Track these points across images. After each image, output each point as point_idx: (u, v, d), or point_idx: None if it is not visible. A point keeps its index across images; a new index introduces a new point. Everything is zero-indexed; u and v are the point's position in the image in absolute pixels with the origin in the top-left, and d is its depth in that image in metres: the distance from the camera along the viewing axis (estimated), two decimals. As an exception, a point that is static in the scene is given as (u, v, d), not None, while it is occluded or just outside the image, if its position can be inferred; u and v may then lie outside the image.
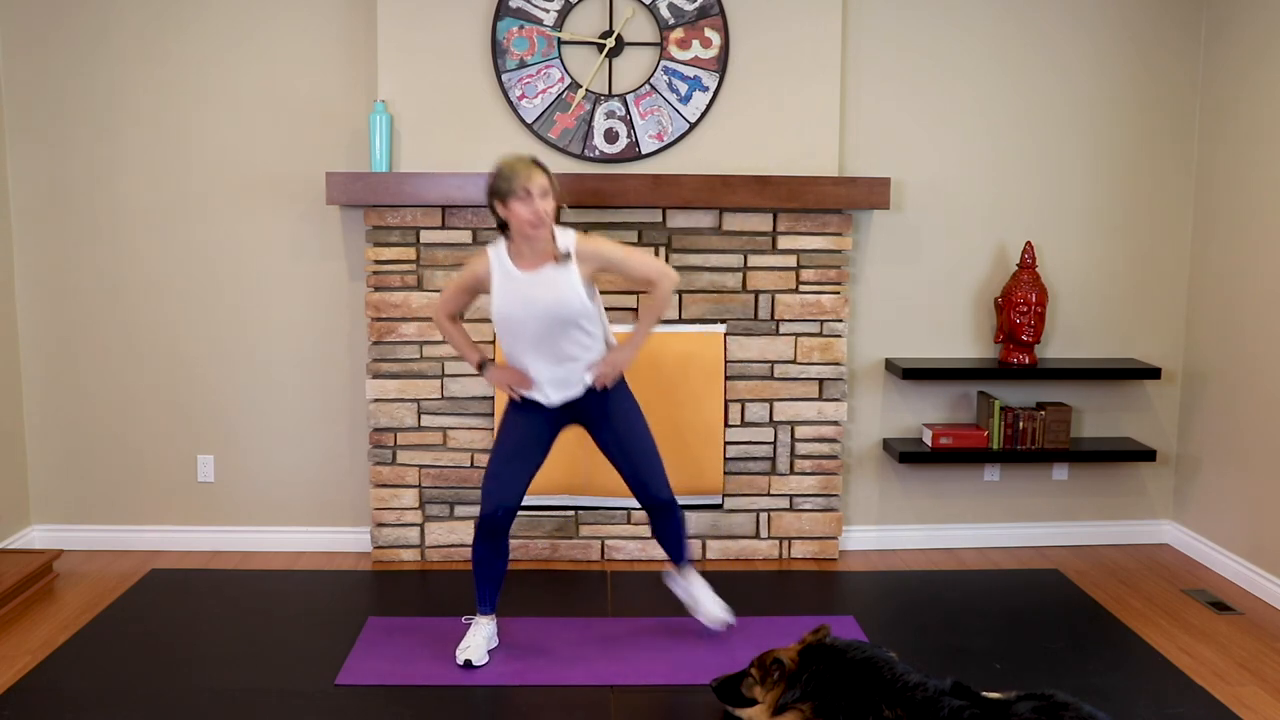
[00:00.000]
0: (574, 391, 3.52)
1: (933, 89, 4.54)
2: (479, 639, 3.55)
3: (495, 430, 3.66)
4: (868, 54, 4.49)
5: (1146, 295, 4.74)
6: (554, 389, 3.51)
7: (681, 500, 4.46)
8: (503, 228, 3.43)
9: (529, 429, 3.55)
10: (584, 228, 4.35)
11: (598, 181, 4.23)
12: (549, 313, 3.39)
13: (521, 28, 4.29)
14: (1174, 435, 4.81)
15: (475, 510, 4.47)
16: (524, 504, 4.46)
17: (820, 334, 4.47)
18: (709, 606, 3.73)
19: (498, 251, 3.45)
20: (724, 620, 3.71)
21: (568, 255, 3.40)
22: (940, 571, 4.46)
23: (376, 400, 4.41)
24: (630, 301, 4.38)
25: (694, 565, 3.84)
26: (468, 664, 3.47)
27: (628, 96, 4.34)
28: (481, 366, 3.60)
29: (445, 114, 4.34)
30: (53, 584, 4.22)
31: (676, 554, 3.75)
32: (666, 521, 3.67)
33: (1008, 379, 4.67)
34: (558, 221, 3.43)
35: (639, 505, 3.70)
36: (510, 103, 4.32)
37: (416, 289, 4.37)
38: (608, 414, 3.56)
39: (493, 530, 3.49)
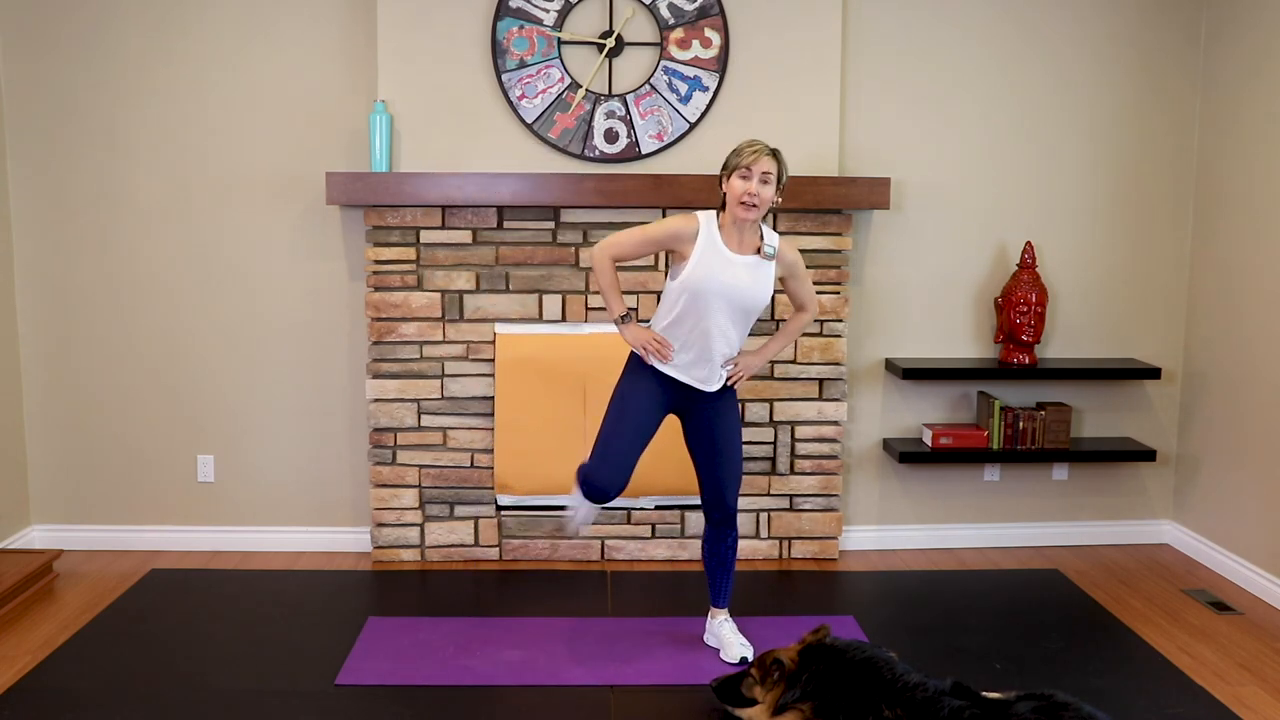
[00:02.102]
0: (706, 383, 3.46)
1: (933, 89, 4.54)
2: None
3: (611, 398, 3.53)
4: (868, 54, 4.49)
5: (1146, 295, 4.74)
6: (694, 371, 3.44)
7: (682, 500, 4.47)
8: (721, 207, 3.40)
9: (650, 399, 3.46)
10: (584, 228, 4.36)
11: (598, 181, 4.23)
12: (742, 298, 3.36)
13: (521, 28, 4.29)
14: (1174, 435, 4.81)
15: (475, 510, 4.47)
16: (525, 504, 4.47)
17: (820, 334, 4.47)
18: (733, 647, 3.60)
19: (709, 221, 3.38)
20: (744, 656, 3.57)
21: (772, 252, 3.39)
22: (940, 571, 4.46)
23: (376, 400, 4.41)
24: (629, 298, 4.38)
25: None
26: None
27: (628, 96, 4.34)
28: (623, 319, 3.44)
29: (445, 114, 4.34)
30: (53, 584, 4.22)
31: (722, 590, 3.66)
32: (723, 533, 3.60)
33: (1008, 379, 4.67)
34: (774, 219, 3.38)
35: (702, 507, 3.64)
36: (510, 103, 4.32)
37: (416, 289, 4.37)
38: (717, 412, 3.52)
39: (601, 500, 3.48)
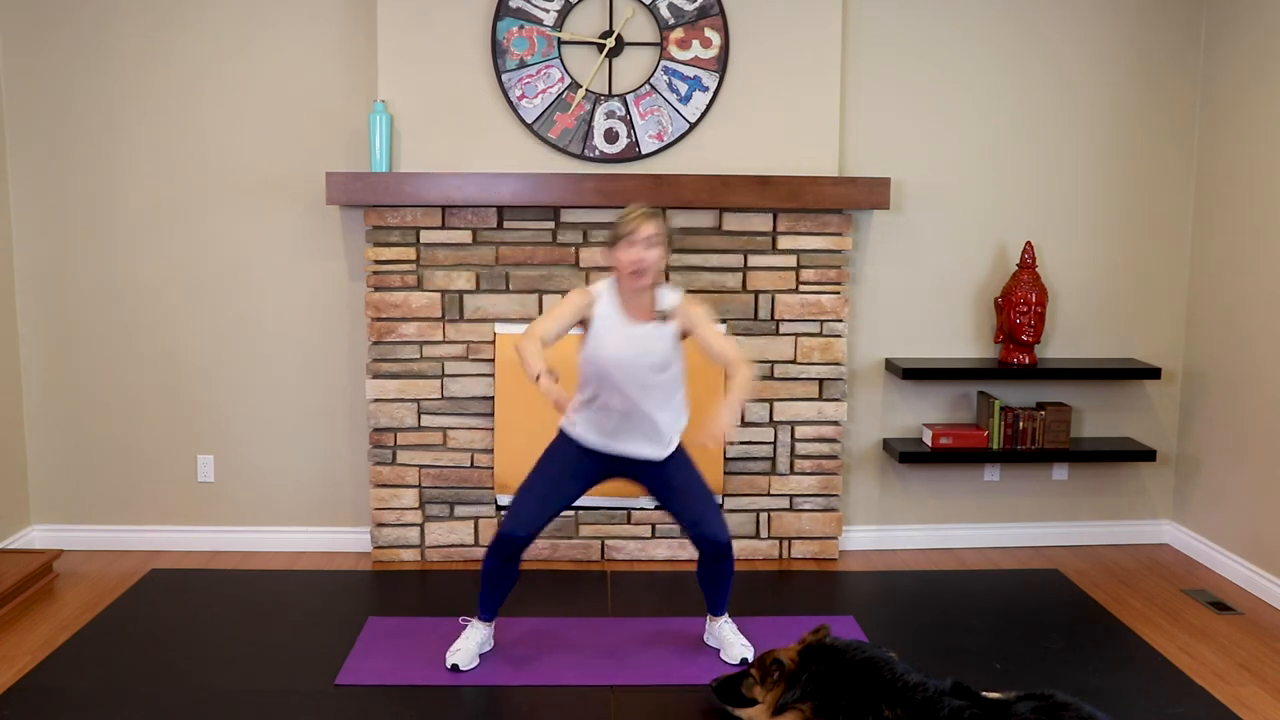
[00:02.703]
0: (654, 453, 3.45)
1: (933, 89, 4.54)
2: (471, 643, 3.53)
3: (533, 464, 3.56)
4: (868, 54, 4.49)
5: (1146, 295, 4.74)
6: (627, 442, 3.45)
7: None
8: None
9: (572, 472, 3.49)
10: (584, 228, 4.36)
11: (598, 181, 4.23)
12: (645, 365, 3.37)
13: (521, 28, 4.29)
14: (1174, 435, 4.81)
15: (475, 510, 4.47)
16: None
17: (820, 334, 4.47)
18: (733, 648, 3.59)
19: (608, 291, 3.42)
20: (744, 657, 3.56)
21: (666, 315, 3.41)
22: (940, 571, 4.46)
23: (376, 400, 4.41)
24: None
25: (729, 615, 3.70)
26: (454, 668, 3.46)
27: (628, 96, 4.34)
28: (539, 377, 3.28)
29: (445, 114, 4.34)
30: (53, 584, 4.22)
31: (719, 603, 3.63)
32: (718, 565, 3.54)
33: (1008, 379, 4.67)
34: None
35: (686, 537, 3.57)
36: (510, 103, 4.32)
37: (416, 289, 4.37)
38: (665, 471, 3.50)
39: (509, 552, 3.44)
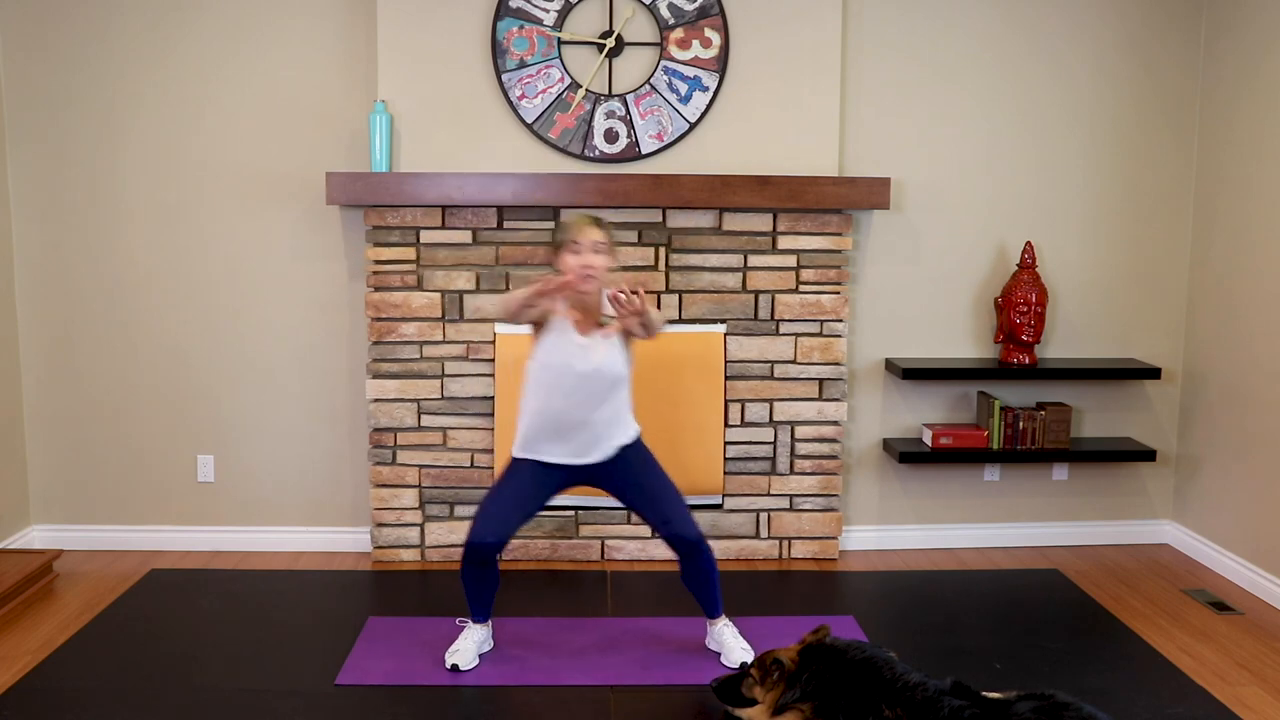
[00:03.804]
0: (592, 456, 3.48)
1: (933, 89, 4.54)
2: (469, 644, 3.53)
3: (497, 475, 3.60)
4: (868, 54, 4.49)
5: (1146, 295, 4.74)
6: (577, 450, 3.47)
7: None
8: None
9: (532, 484, 3.51)
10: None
11: (598, 181, 4.23)
12: (593, 374, 3.39)
13: (521, 28, 4.29)
14: (1174, 435, 4.81)
15: (475, 510, 4.46)
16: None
17: (820, 334, 4.47)
18: (734, 652, 3.57)
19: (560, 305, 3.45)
20: (744, 661, 3.53)
21: (606, 322, 3.43)
22: (940, 571, 4.46)
23: (376, 400, 4.41)
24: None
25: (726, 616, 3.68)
26: (454, 669, 3.46)
27: (628, 96, 4.34)
28: (539, 286, 3.30)
29: (445, 114, 4.34)
30: (53, 584, 4.22)
31: (711, 605, 3.61)
32: (695, 562, 3.53)
33: (1008, 379, 4.67)
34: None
35: (664, 542, 3.57)
36: (510, 103, 4.32)
37: (416, 289, 4.37)
38: (626, 468, 3.52)
39: (480, 559, 3.45)
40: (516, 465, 3.54)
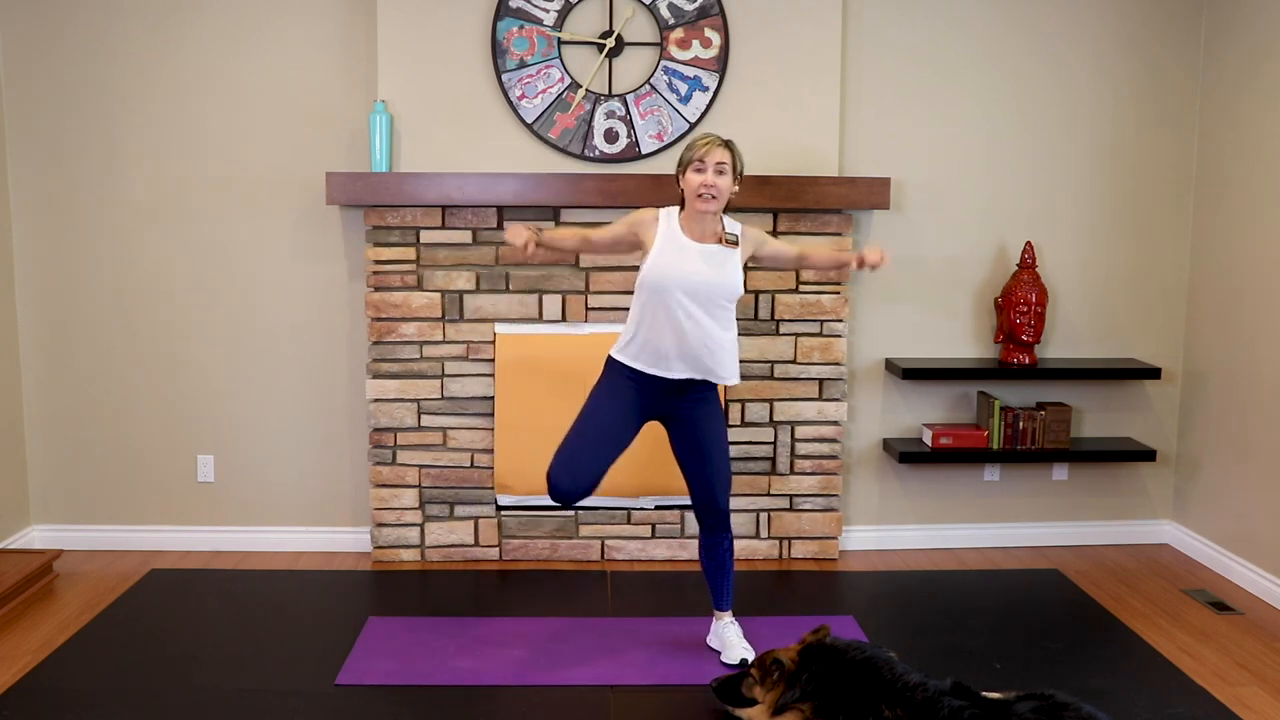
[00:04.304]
0: (700, 375, 3.42)
1: (933, 89, 4.54)
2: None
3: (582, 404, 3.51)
4: (868, 54, 4.49)
5: (1146, 295, 4.74)
6: (677, 364, 3.40)
7: (682, 500, 4.47)
8: (681, 205, 3.43)
9: (623, 408, 3.43)
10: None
11: (598, 181, 4.23)
12: (707, 288, 3.35)
13: (521, 28, 4.29)
14: (1174, 435, 4.81)
15: (475, 510, 4.47)
16: (525, 504, 4.46)
17: (820, 334, 4.47)
18: (734, 649, 3.58)
19: (669, 215, 3.43)
20: (744, 659, 3.54)
21: (735, 239, 3.40)
22: (940, 571, 4.46)
23: (376, 400, 4.41)
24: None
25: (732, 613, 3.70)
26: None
27: (628, 96, 4.34)
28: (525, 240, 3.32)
29: (445, 114, 4.34)
30: (53, 584, 4.22)
31: (720, 594, 3.62)
32: (715, 537, 3.56)
33: (1008, 379, 4.67)
34: (730, 208, 3.44)
35: (694, 511, 3.59)
36: (510, 103, 4.32)
37: (416, 289, 4.37)
38: (702, 414, 3.49)
39: (563, 504, 3.43)
40: (609, 380, 3.46)
